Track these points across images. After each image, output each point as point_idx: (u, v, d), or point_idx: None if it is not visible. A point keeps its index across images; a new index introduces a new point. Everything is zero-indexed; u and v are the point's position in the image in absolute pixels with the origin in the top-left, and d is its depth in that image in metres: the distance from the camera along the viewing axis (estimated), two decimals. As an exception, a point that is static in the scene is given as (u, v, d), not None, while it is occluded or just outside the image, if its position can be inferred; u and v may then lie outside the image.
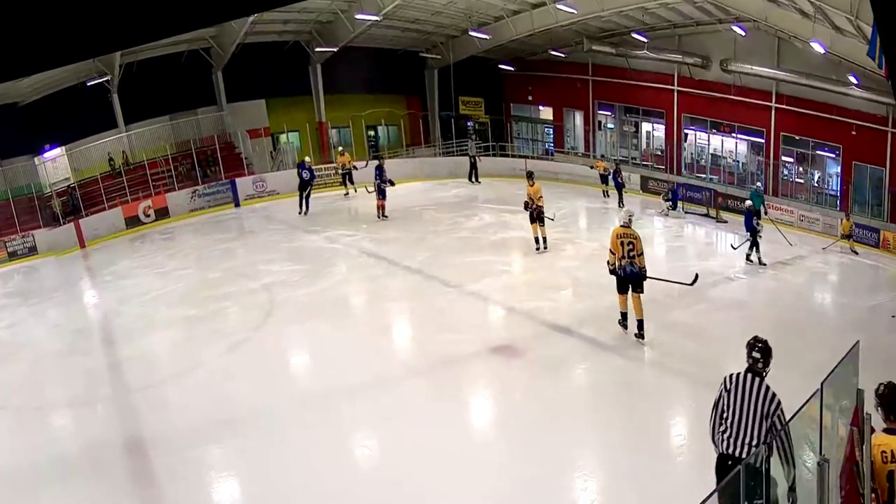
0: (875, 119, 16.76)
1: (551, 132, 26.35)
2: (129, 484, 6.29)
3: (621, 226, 8.55)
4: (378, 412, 7.29)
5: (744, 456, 4.26)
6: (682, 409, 7.43)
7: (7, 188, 17.03)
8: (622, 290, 8.64)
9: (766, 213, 15.43)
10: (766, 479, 3.53)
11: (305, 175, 17.33)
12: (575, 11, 18.10)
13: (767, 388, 4.44)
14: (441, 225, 16.03)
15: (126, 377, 8.72)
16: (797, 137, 18.96)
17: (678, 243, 15.74)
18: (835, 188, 18.61)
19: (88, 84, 17.85)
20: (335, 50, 21.43)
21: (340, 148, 20.81)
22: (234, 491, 6.24)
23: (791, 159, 19.52)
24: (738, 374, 4.53)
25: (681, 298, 10.13)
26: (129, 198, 17.85)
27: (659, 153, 22.85)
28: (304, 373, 9.07)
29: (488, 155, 24.17)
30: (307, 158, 18.17)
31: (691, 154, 22.09)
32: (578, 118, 25.29)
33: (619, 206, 17.63)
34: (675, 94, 21.49)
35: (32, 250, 15.90)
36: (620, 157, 22.60)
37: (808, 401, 3.53)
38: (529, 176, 13.52)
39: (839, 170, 18.29)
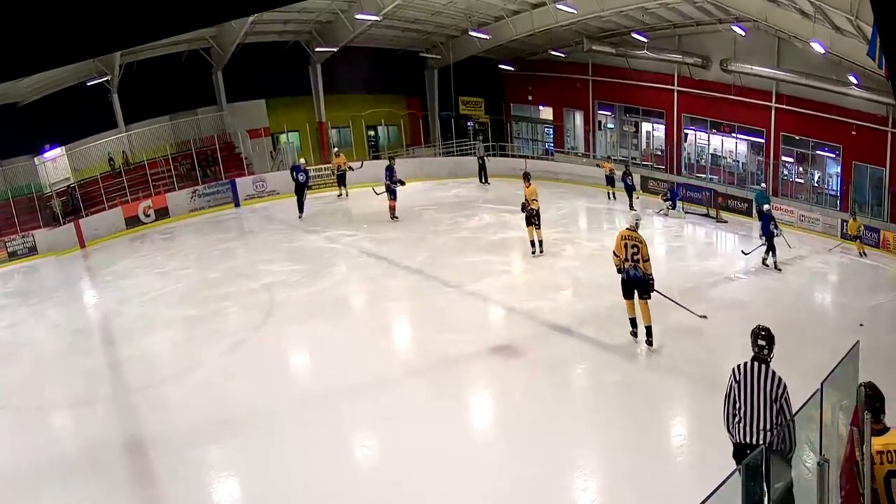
0: (875, 119, 16.76)
1: (551, 132, 26.35)
2: (129, 484, 6.29)
3: (627, 229, 8.30)
4: (378, 412, 7.29)
5: (760, 442, 4.39)
6: (682, 409, 7.43)
7: (7, 188, 17.03)
8: (627, 294, 8.30)
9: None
10: (765, 479, 3.53)
11: (301, 178, 17.06)
12: (575, 11, 18.10)
13: (774, 373, 4.61)
14: (441, 225, 16.03)
15: (126, 377, 8.72)
16: (797, 137, 18.97)
17: (678, 243, 15.74)
18: (835, 188, 18.61)
19: (88, 84, 17.85)
20: (335, 50, 21.43)
21: (336, 149, 20.65)
22: (234, 491, 6.24)
23: (791, 159, 19.53)
24: (746, 364, 4.68)
25: (681, 299, 10.11)
26: (129, 198, 17.85)
27: (659, 153, 22.85)
28: (304, 373, 9.07)
29: (493, 155, 24.01)
30: (302, 160, 17.99)
31: (689, 154, 22.09)
32: (578, 118, 25.30)
33: (630, 209, 17.27)
34: (675, 94, 21.50)
35: (32, 250, 15.90)
36: (631, 160, 22.55)
37: (808, 401, 3.54)
38: (526, 177, 13.26)
39: (839, 170, 18.29)
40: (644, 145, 23.68)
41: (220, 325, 10.35)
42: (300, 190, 17.09)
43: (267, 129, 22.20)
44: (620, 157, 22.62)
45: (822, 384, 3.70)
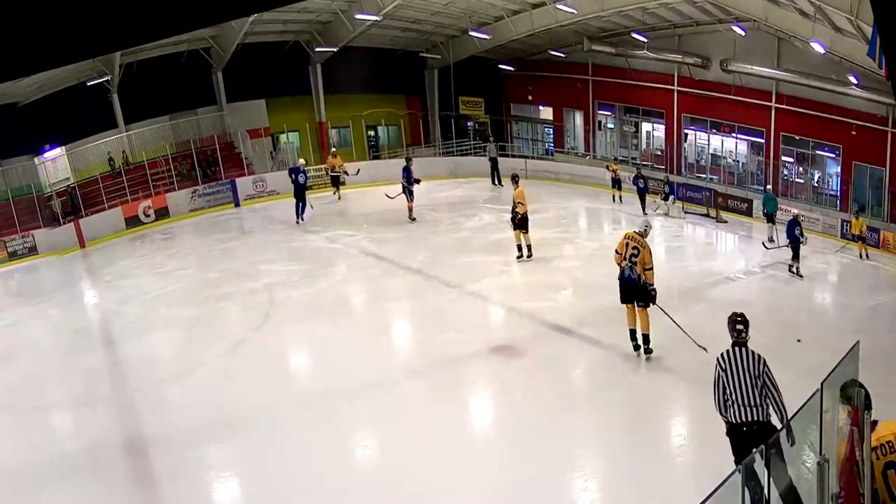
0: (875, 119, 16.76)
1: (551, 132, 26.35)
2: (129, 484, 6.29)
3: (635, 232, 8.05)
4: (378, 412, 7.29)
5: (753, 418, 4.85)
6: (681, 409, 7.43)
7: (7, 188, 17.03)
8: (623, 297, 8.06)
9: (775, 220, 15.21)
10: (767, 478, 3.53)
11: (301, 179, 16.52)
12: (575, 11, 18.10)
13: (753, 352, 5.01)
14: (441, 225, 16.03)
15: (126, 377, 8.74)
16: (797, 137, 18.96)
17: (678, 243, 15.74)
18: (835, 188, 18.61)
19: (88, 84, 17.85)
20: (335, 50, 21.43)
21: (334, 149, 20.25)
22: (234, 491, 6.25)
23: (791, 159, 19.52)
24: (728, 352, 5.06)
25: (681, 299, 10.13)
26: (129, 198, 17.85)
27: (659, 153, 22.85)
28: (304, 373, 9.07)
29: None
30: (301, 161, 17.71)
31: (685, 155, 22.09)
32: (578, 118, 25.30)
33: (643, 213, 16.96)
34: (675, 94, 21.49)
35: (32, 250, 15.90)
36: (631, 160, 22.49)
37: (808, 401, 3.54)
38: (514, 179, 12.92)
39: (839, 170, 18.29)
40: (644, 145, 23.67)
41: (220, 325, 10.36)
42: (299, 193, 16.46)
43: (267, 129, 22.19)
44: (632, 161, 22.40)
45: (822, 384, 3.69)
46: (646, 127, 23.43)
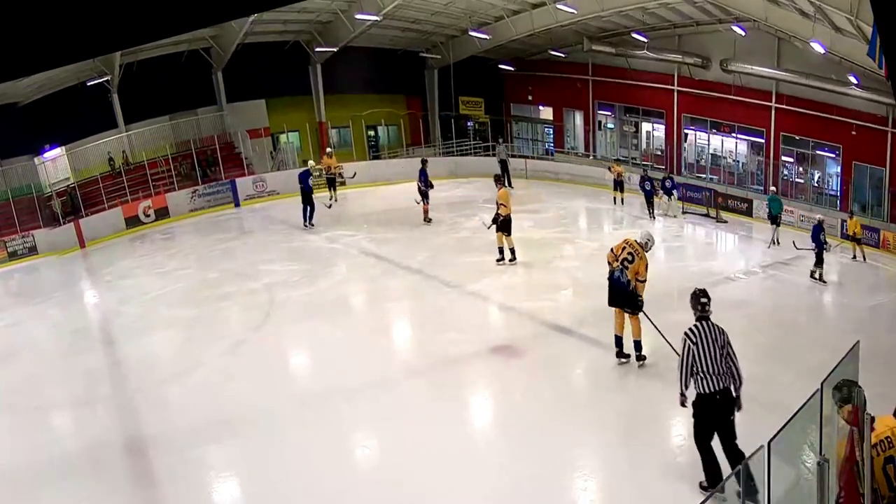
0: (875, 119, 16.76)
1: (551, 132, 26.36)
2: (129, 484, 6.29)
3: (636, 241, 7.85)
4: (378, 412, 7.29)
5: (724, 385, 5.22)
6: (681, 409, 7.37)
7: (7, 188, 17.03)
8: (611, 301, 7.88)
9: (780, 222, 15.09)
10: (768, 478, 3.53)
11: (311, 182, 15.90)
12: (575, 11, 18.10)
13: (716, 325, 5.39)
14: (441, 225, 16.01)
15: (126, 377, 8.73)
16: (797, 137, 18.96)
17: (678, 243, 15.72)
18: (835, 188, 18.61)
19: (88, 84, 17.85)
20: (335, 50, 21.43)
21: (329, 149, 19.16)
22: (234, 491, 6.24)
23: (791, 159, 19.53)
24: (696, 326, 5.38)
25: (680, 299, 10.05)
26: (129, 198, 17.86)
27: (659, 153, 22.85)
28: (304, 373, 9.07)
29: (492, 155, 23.22)
30: (312, 162, 17.14)
31: (685, 155, 22.09)
32: (578, 118, 25.31)
33: (650, 217, 16.65)
34: (675, 94, 21.50)
35: (32, 250, 15.91)
36: (631, 160, 22.42)
37: (808, 401, 3.54)
38: (497, 179, 12.69)
39: (839, 170, 18.29)
40: (644, 145, 23.68)
41: (220, 325, 10.36)
42: (307, 197, 15.75)
43: (267, 129, 22.20)
44: (632, 161, 22.36)
45: (822, 384, 3.70)
46: (646, 127, 23.43)
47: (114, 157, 18.85)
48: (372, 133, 24.95)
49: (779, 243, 14.53)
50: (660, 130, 22.76)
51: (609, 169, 19.17)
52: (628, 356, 8.00)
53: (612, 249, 8.10)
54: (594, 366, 8.33)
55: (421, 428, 6.84)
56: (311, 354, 9.56)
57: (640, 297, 7.76)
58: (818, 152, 18.79)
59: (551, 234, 14.06)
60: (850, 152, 17.68)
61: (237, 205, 19.37)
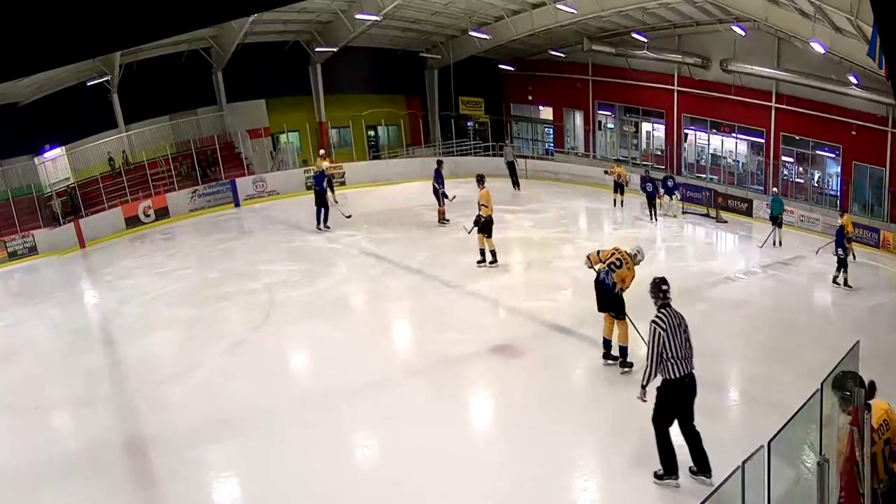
0: (875, 119, 16.76)
1: (551, 132, 26.36)
2: (129, 484, 6.29)
3: (627, 253, 7.79)
4: (378, 412, 7.29)
5: (691, 369, 5.41)
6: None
7: (7, 188, 17.03)
8: (599, 306, 7.87)
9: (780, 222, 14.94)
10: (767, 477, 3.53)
11: (325, 184, 15.78)
12: (575, 11, 18.10)
13: (676, 310, 5.58)
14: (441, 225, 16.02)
15: (126, 377, 8.74)
16: (797, 137, 18.96)
17: (678, 243, 15.72)
18: (835, 188, 18.61)
19: (88, 84, 17.85)
20: (335, 50, 21.43)
21: (323, 151, 18.98)
22: (234, 491, 6.25)
23: (791, 159, 19.52)
24: (664, 314, 5.51)
25: (680, 298, 10.06)
26: (129, 198, 17.86)
27: (659, 153, 22.85)
28: (304, 373, 9.07)
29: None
30: (325, 164, 16.85)
31: (685, 155, 22.09)
32: (578, 118, 25.30)
33: (653, 220, 16.35)
34: (675, 94, 21.50)
35: (32, 250, 15.90)
36: (631, 160, 22.38)
37: (808, 401, 3.54)
38: (479, 180, 12.45)
39: (839, 170, 18.29)
40: (644, 145, 23.68)
41: (220, 325, 10.36)
42: (321, 199, 15.63)
43: (267, 129, 22.21)
44: (633, 161, 22.29)
45: (822, 384, 3.70)
46: (646, 127, 23.43)
47: (114, 157, 18.86)
48: (372, 133, 24.95)
49: (780, 244, 14.53)
50: (660, 130, 22.75)
51: (606, 172, 18.66)
52: (616, 358, 7.95)
53: (597, 252, 8.05)
54: (594, 366, 8.32)
55: (421, 428, 6.84)
56: (311, 354, 9.56)
57: (622, 304, 7.72)
58: (818, 152, 18.79)
59: (551, 234, 14.06)
60: (850, 152, 17.68)
61: (237, 205, 19.37)
